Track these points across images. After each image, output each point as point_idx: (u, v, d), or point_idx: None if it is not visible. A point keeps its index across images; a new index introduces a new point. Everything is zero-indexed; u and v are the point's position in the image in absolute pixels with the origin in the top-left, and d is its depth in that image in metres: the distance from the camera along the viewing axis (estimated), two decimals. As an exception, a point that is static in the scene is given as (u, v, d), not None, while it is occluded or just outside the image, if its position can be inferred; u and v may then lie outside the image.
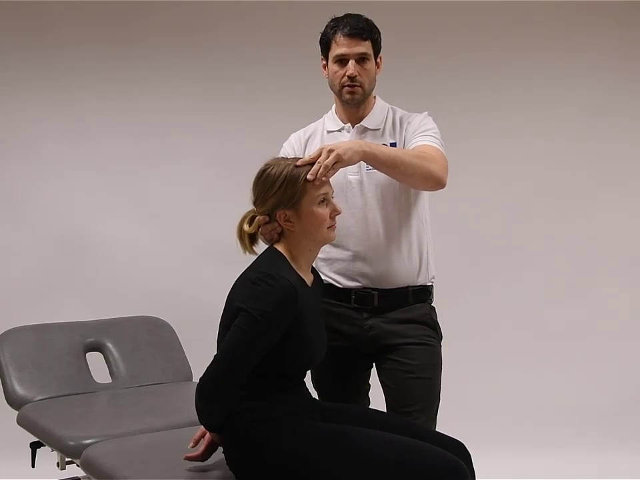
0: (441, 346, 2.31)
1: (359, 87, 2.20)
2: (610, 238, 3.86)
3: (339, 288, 2.27)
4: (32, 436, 2.49)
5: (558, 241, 3.87)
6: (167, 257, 3.82)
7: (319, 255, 2.09)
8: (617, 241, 3.87)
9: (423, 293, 2.29)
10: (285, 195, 1.88)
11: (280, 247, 1.93)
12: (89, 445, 2.20)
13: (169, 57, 3.84)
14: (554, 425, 3.75)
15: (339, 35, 2.18)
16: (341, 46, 2.18)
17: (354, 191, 2.22)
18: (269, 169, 1.92)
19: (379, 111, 2.29)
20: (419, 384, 2.22)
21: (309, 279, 1.96)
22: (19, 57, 3.79)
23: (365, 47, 2.19)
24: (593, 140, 3.88)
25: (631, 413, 3.78)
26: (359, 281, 2.25)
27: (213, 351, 1.86)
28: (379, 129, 2.27)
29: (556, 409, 3.78)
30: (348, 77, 2.19)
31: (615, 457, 3.58)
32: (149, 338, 2.94)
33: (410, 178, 2.10)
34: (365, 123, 2.27)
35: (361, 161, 2.03)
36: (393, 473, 1.75)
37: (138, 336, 2.93)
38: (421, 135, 2.20)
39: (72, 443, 2.24)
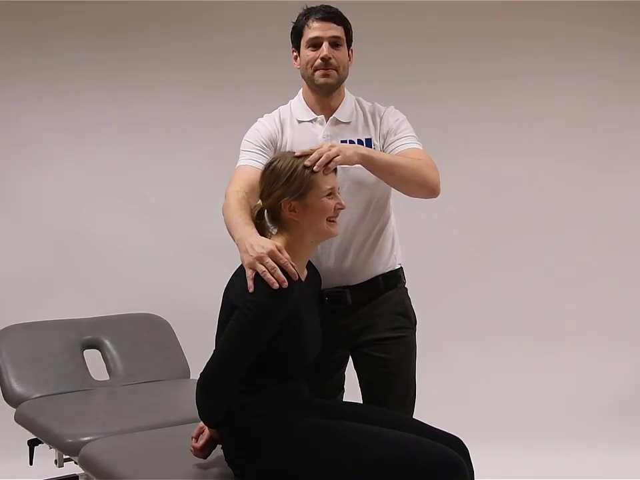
0: (415, 330, 2.32)
1: (333, 70, 2.17)
2: (610, 236, 3.87)
3: None
4: (30, 433, 2.49)
5: (558, 239, 3.88)
6: (165, 255, 3.81)
7: None
8: (617, 239, 3.87)
9: (394, 277, 2.29)
10: (290, 188, 1.88)
11: (279, 240, 1.91)
12: (86, 442, 2.20)
13: (169, 57, 3.83)
14: (553, 423, 3.74)
15: (312, 19, 2.18)
16: (314, 30, 2.17)
17: None
18: (275, 162, 1.92)
19: (349, 103, 2.27)
20: (395, 377, 2.25)
21: (303, 274, 1.95)
22: (18, 57, 3.78)
23: (339, 32, 2.18)
24: (593, 140, 3.88)
25: (631, 412, 3.78)
26: (331, 283, 2.22)
27: (211, 349, 1.85)
28: (350, 122, 2.24)
29: (555, 407, 3.78)
30: (322, 59, 2.16)
31: (615, 457, 3.57)
32: (146, 335, 2.94)
33: (405, 184, 2.11)
34: (337, 115, 2.23)
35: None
36: (392, 469, 1.75)
37: (136, 333, 2.92)
38: (404, 138, 2.20)
39: (70, 441, 2.24)
